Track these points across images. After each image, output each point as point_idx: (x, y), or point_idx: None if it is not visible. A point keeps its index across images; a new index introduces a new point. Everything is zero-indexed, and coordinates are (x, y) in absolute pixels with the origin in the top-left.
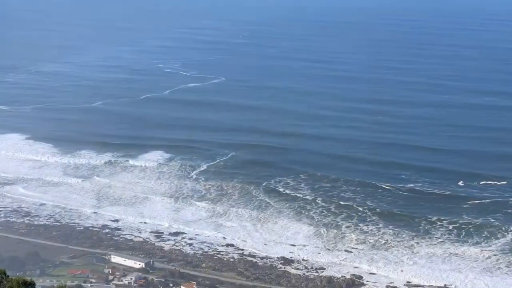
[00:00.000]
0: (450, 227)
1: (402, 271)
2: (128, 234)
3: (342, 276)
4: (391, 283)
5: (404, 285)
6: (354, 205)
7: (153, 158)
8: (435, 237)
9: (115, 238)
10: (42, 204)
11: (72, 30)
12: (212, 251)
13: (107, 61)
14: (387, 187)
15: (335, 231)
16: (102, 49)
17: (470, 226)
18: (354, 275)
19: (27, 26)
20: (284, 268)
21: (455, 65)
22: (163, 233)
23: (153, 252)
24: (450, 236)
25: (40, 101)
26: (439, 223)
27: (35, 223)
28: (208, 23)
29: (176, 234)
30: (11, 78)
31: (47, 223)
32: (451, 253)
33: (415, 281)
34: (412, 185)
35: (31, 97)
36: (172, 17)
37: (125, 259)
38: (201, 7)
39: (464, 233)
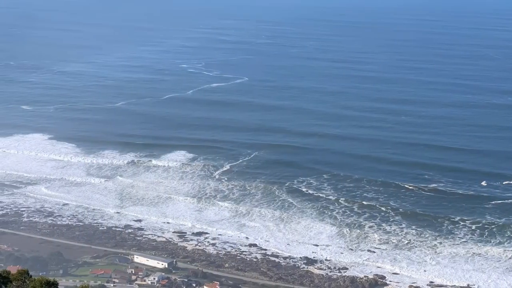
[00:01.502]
0: (473, 227)
1: (425, 271)
2: (151, 234)
3: (365, 276)
4: (414, 283)
5: (427, 285)
6: (377, 205)
7: (176, 158)
8: (458, 237)
9: (138, 238)
10: (65, 204)
11: (94, 30)
12: (235, 251)
13: (130, 61)
14: (410, 187)
15: (358, 231)
16: (124, 49)
17: (493, 226)
18: (377, 275)
19: (50, 26)
20: (307, 268)
21: (477, 65)
22: (186, 233)
23: (176, 252)
24: (473, 236)
25: (63, 101)
26: (462, 223)
27: (58, 223)
28: (230, 23)
29: (199, 234)
30: (34, 78)
31: (70, 223)
32: (474, 253)
33: (438, 281)
34: (435, 185)
35: (54, 97)
36: (194, 17)
37: (148, 259)
38: (222, 7)
39: (487, 233)
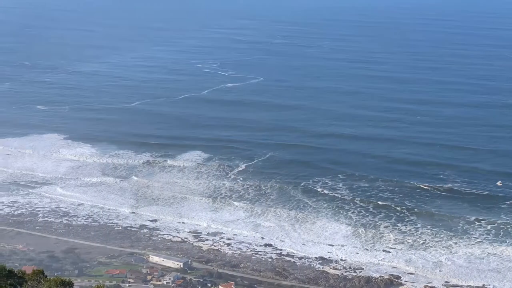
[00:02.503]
0: (489, 227)
1: (440, 271)
2: (166, 234)
3: (380, 276)
4: (429, 283)
5: (443, 285)
6: (392, 205)
7: (192, 158)
8: (474, 237)
9: (153, 238)
10: (80, 204)
11: (109, 30)
12: (250, 251)
13: (145, 61)
14: (425, 187)
15: (373, 231)
16: (139, 49)
17: (509, 226)
18: (392, 275)
19: (65, 26)
20: (322, 268)
21: (493, 65)
22: (201, 233)
23: (191, 252)
24: (489, 236)
25: (78, 101)
26: (477, 223)
27: (74, 223)
28: (246, 23)
29: (214, 234)
30: (49, 78)
31: (85, 223)
32: (489, 253)
33: (453, 281)
34: (451, 185)
35: (69, 97)
36: (209, 17)
37: (163, 259)
38: (237, 7)
39: (502, 233)
